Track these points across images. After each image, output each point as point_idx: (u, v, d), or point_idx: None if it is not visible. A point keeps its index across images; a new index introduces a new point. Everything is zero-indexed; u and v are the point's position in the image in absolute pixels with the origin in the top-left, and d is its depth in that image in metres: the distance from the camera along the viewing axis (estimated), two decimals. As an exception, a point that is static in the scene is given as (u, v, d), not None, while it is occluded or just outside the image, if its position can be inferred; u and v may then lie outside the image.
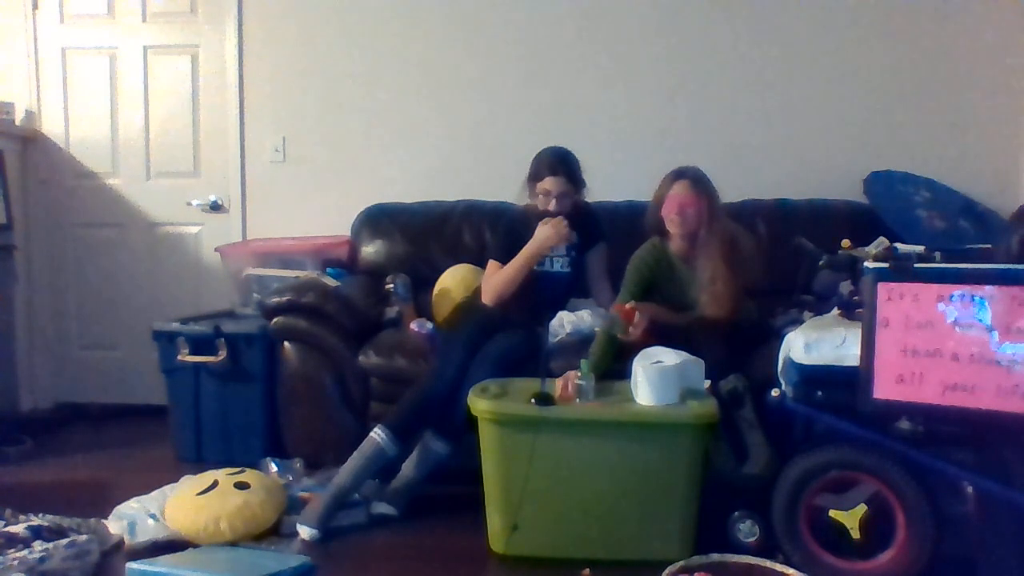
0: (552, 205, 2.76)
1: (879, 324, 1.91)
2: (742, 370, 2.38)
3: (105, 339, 3.89)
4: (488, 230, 3.31)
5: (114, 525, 2.32)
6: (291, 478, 2.67)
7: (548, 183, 2.76)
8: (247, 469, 2.55)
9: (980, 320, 1.81)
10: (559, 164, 2.78)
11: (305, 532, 2.37)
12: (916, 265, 1.98)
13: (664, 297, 2.70)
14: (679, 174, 2.65)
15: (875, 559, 2.01)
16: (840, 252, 2.33)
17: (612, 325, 2.54)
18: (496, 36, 3.61)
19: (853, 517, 2.02)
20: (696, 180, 2.63)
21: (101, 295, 3.88)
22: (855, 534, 2.02)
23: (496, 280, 2.78)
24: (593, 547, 2.18)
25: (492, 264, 2.85)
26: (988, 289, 1.81)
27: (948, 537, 1.98)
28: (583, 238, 2.88)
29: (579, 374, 2.28)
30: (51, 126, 3.87)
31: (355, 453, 2.52)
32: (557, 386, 2.29)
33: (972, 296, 1.83)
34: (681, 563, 2.07)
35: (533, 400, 2.18)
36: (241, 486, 2.39)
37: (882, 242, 2.52)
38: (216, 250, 3.61)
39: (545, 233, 2.73)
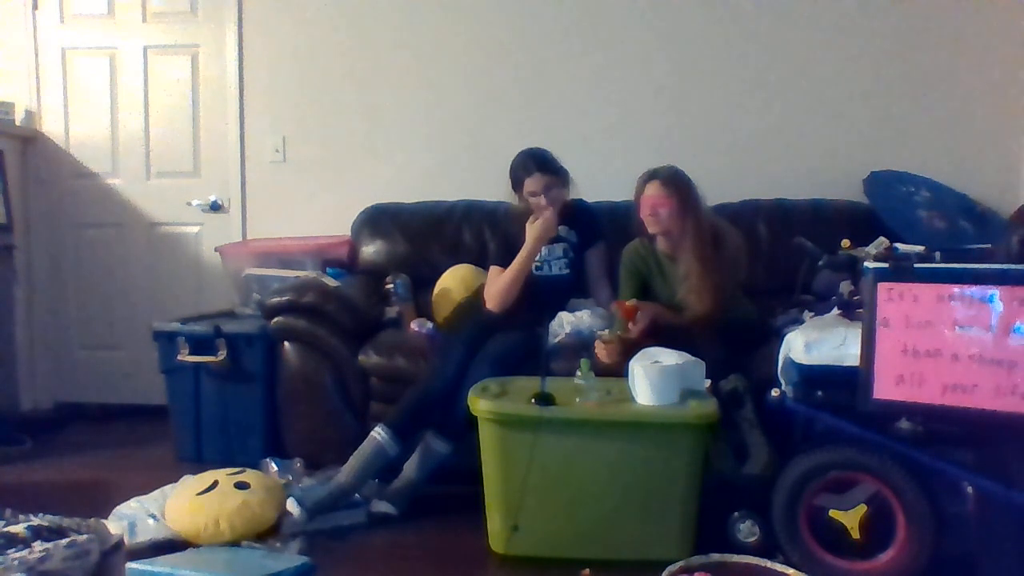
0: (543, 202, 2.75)
1: (879, 324, 1.91)
2: (742, 370, 2.38)
3: (105, 339, 3.89)
4: (488, 230, 3.31)
5: (114, 525, 2.30)
6: (291, 478, 2.67)
7: (529, 184, 2.75)
8: (247, 469, 2.54)
9: (980, 320, 1.81)
10: (530, 162, 2.77)
11: (294, 507, 2.39)
12: (916, 265, 1.98)
13: (658, 296, 2.70)
14: (651, 175, 2.65)
15: (875, 559, 2.01)
16: (840, 252, 2.32)
17: (613, 323, 2.54)
18: (495, 37, 3.61)
19: (853, 517, 2.02)
20: (667, 180, 2.62)
21: (101, 295, 3.88)
22: (855, 534, 2.01)
23: (499, 284, 2.77)
24: (593, 547, 2.18)
25: (494, 269, 2.84)
26: (988, 289, 1.81)
27: (948, 537, 1.97)
28: (582, 238, 2.88)
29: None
30: (51, 126, 3.87)
31: (356, 452, 2.53)
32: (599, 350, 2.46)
33: (972, 296, 1.83)
34: (681, 563, 2.06)
35: (533, 400, 2.18)
36: (241, 486, 2.38)
37: (882, 242, 2.51)
38: (216, 250, 3.61)
39: (536, 229, 2.73)
